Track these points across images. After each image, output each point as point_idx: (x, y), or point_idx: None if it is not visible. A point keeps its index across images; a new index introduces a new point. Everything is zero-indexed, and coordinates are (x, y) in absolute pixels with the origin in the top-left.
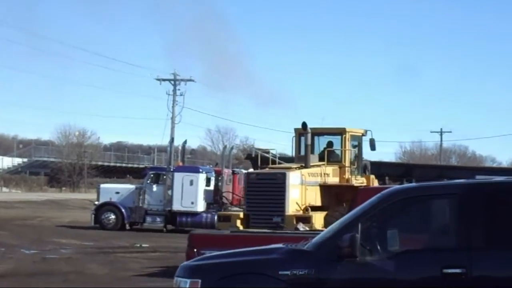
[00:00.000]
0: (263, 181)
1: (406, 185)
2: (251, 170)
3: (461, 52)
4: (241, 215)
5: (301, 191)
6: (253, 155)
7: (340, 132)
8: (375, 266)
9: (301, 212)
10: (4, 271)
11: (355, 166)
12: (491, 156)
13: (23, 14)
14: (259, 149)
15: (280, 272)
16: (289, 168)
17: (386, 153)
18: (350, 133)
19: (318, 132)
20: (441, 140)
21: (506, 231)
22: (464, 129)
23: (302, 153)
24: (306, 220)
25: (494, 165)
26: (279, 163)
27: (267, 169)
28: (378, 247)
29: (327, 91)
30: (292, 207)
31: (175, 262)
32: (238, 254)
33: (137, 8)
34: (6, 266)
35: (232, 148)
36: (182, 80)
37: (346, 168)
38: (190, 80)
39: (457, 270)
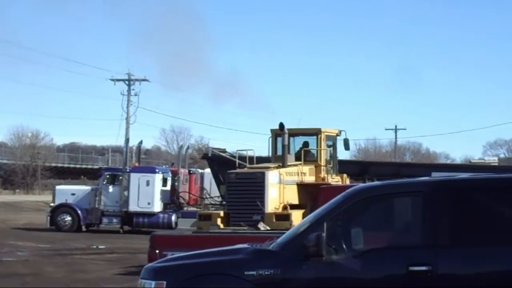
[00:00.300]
0: (242, 180)
1: (371, 183)
2: (237, 170)
3: (415, 49)
4: (222, 213)
5: (279, 189)
6: (210, 155)
7: (316, 132)
8: (341, 265)
9: (280, 210)
10: None
11: (330, 165)
12: (445, 153)
13: None
14: (216, 149)
15: (245, 273)
16: (268, 168)
17: (341, 151)
18: (325, 133)
19: (294, 133)
20: (396, 137)
21: (471, 228)
22: (418, 126)
23: (279, 153)
24: (285, 217)
25: (448, 161)
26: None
27: (245, 168)
28: (344, 246)
29: (283, 90)
30: (272, 205)
31: (133, 263)
32: (203, 255)
33: (90, 7)
34: None
35: (188, 148)
36: (136, 80)
37: (322, 167)
38: (144, 80)
39: (423, 268)
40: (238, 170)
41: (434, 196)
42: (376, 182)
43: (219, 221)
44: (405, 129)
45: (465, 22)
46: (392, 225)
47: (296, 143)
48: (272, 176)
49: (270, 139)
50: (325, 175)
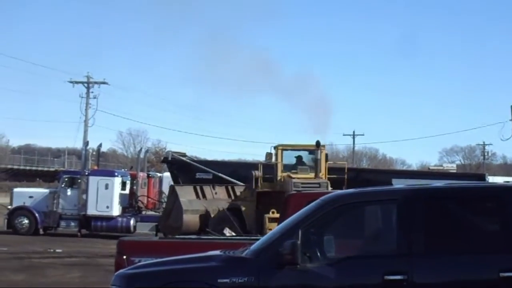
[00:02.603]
0: (308, 188)
1: (346, 190)
2: (295, 179)
3: (373, 53)
4: None
5: None
6: (170, 159)
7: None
8: (316, 273)
9: None
10: None
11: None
12: (401, 159)
13: None
14: (176, 152)
15: (219, 280)
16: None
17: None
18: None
19: (294, 149)
20: (354, 143)
21: (446, 236)
22: (374, 132)
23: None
24: None
25: (404, 167)
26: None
27: (302, 177)
28: (319, 254)
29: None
30: None
31: (92, 267)
32: (176, 261)
33: (47, 7)
34: None
35: (147, 151)
36: (95, 82)
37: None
38: (103, 82)
39: (399, 277)
40: (302, 179)
41: (408, 204)
42: (351, 190)
43: None
44: (363, 134)
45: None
46: (367, 233)
47: (287, 156)
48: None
49: (277, 152)
50: None
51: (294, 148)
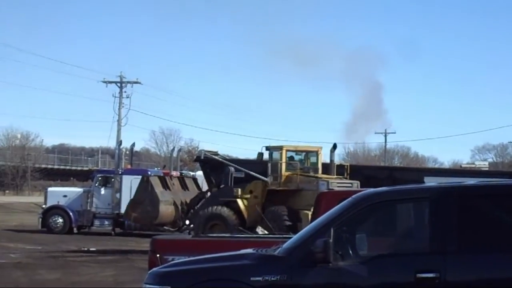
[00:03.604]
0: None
1: (378, 189)
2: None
3: (406, 52)
4: None
5: None
6: (202, 158)
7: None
8: (348, 271)
9: None
10: None
11: None
12: (433, 157)
13: None
14: (208, 151)
15: (251, 278)
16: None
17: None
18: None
19: (297, 150)
20: (386, 141)
21: (479, 234)
22: (407, 130)
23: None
24: None
25: (436, 165)
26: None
27: (335, 179)
28: (351, 252)
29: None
30: None
31: (125, 265)
32: (208, 260)
33: (82, 9)
34: None
35: (180, 150)
36: (128, 82)
37: None
38: (136, 82)
39: (431, 275)
40: (334, 180)
41: (441, 202)
42: (383, 188)
43: None
44: (394, 132)
45: (454, 26)
46: (399, 231)
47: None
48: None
49: (281, 154)
50: None
51: (297, 149)
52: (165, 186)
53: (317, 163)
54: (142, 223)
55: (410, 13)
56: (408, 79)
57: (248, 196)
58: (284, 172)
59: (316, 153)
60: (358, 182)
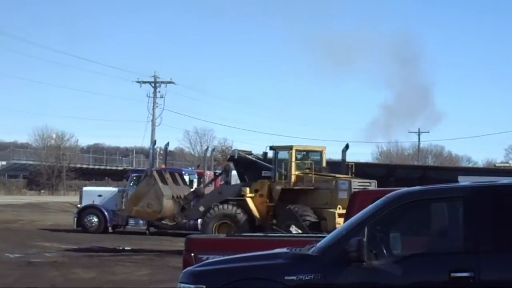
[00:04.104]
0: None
1: (411, 188)
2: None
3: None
4: None
5: None
6: (236, 157)
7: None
8: (382, 271)
9: None
10: None
11: None
12: (467, 156)
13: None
14: (242, 151)
15: (286, 277)
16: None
17: (363, 153)
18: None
19: (306, 150)
20: (419, 141)
21: None
22: (440, 130)
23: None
24: None
25: (470, 165)
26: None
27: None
28: (385, 251)
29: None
30: None
31: (160, 264)
32: (243, 259)
33: (115, 9)
34: None
35: (213, 149)
36: (162, 82)
37: None
38: (170, 82)
39: (465, 274)
40: (351, 179)
41: (475, 202)
42: (417, 187)
43: None
44: (428, 132)
45: (485, 26)
46: (433, 230)
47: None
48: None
49: (289, 154)
50: None
51: (305, 149)
52: (164, 180)
53: (321, 162)
54: (144, 217)
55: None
56: (442, 77)
57: (253, 195)
58: (294, 172)
59: (321, 153)
60: (375, 182)
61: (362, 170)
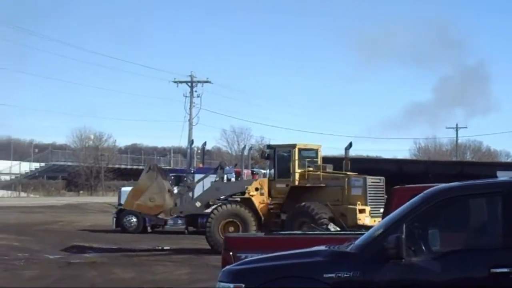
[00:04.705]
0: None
1: (450, 184)
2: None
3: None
4: None
5: None
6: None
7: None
8: (421, 267)
9: None
10: (30, 277)
11: None
12: (505, 151)
13: (40, 19)
14: None
15: (324, 275)
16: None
17: (401, 150)
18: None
19: (307, 148)
20: (457, 136)
21: None
22: (478, 125)
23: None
24: None
25: (509, 160)
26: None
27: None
28: (423, 248)
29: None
30: None
31: (199, 264)
32: (281, 257)
33: (151, 9)
34: (32, 272)
35: (251, 148)
36: (199, 81)
37: None
38: (206, 81)
39: (505, 270)
40: (366, 177)
41: None
42: (455, 183)
43: None
44: (466, 127)
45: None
46: (472, 226)
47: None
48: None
49: (292, 152)
50: None
51: (306, 148)
52: (163, 175)
53: (317, 160)
54: (145, 212)
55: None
56: (479, 68)
57: (255, 193)
58: (297, 170)
59: (316, 151)
60: (383, 178)
61: (400, 167)
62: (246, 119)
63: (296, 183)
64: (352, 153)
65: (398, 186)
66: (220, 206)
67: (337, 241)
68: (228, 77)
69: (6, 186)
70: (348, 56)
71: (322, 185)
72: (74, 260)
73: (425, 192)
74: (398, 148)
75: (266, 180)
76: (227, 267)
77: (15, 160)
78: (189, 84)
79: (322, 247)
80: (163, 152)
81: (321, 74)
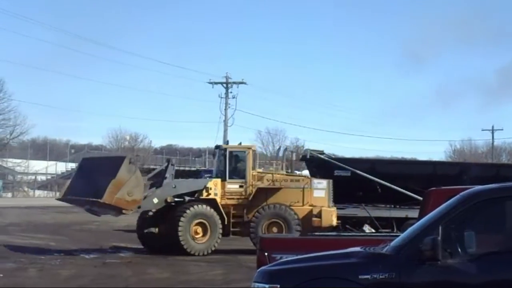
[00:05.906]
0: None
1: (487, 186)
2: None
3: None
4: None
5: None
6: (308, 157)
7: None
8: (457, 269)
9: None
10: (67, 276)
11: None
12: None
13: (77, 20)
14: (314, 151)
15: (360, 277)
16: None
17: (437, 152)
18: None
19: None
20: (493, 138)
21: None
22: None
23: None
24: None
25: None
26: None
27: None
28: (460, 250)
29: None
30: None
31: (234, 264)
32: (316, 258)
33: (188, 12)
34: (68, 271)
35: (286, 149)
36: (234, 83)
37: None
38: (242, 82)
39: None
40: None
41: None
42: (491, 185)
43: None
44: (502, 129)
45: None
46: (508, 228)
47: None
48: None
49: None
50: None
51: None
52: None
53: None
54: (123, 207)
55: None
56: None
57: (206, 193)
58: (250, 171)
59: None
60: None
61: (434, 169)
62: (281, 120)
63: (248, 184)
64: (387, 154)
65: (433, 188)
66: (188, 208)
67: (372, 243)
68: (263, 78)
69: (43, 186)
70: (392, 57)
71: (281, 187)
72: (109, 260)
73: (461, 194)
74: (435, 150)
75: (219, 180)
76: (262, 267)
77: (52, 160)
78: (224, 85)
79: (358, 248)
80: (198, 153)
81: (359, 77)
